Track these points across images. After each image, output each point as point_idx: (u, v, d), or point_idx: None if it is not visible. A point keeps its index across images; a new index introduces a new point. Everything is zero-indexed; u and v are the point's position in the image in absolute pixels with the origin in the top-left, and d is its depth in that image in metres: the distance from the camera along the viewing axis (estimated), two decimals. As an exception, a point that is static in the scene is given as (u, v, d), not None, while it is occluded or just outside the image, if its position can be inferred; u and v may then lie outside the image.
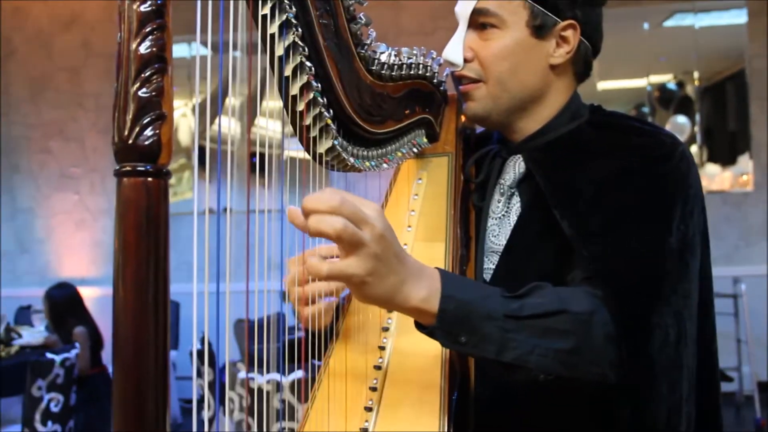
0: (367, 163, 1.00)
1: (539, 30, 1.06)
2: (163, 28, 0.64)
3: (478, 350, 0.86)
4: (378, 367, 0.99)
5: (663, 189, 1.00)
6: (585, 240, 0.99)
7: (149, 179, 0.63)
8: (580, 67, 1.12)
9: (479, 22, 1.07)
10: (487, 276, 1.11)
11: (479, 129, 1.27)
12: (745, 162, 5.70)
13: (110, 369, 4.26)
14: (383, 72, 0.99)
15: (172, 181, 6.25)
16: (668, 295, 0.96)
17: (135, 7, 0.63)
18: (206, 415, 3.30)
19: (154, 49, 0.63)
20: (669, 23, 5.86)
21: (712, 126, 5.84)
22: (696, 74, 5.76)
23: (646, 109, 5.91)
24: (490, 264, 1.12)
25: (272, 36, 0.83)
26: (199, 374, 3.64)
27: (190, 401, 5.63)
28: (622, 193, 1.01)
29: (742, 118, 5.74)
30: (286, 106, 0.87)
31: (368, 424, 0.94)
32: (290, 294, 1.05)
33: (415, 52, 1.07)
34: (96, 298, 5.47)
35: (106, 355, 4.45)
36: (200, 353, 3.57)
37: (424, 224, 1.10)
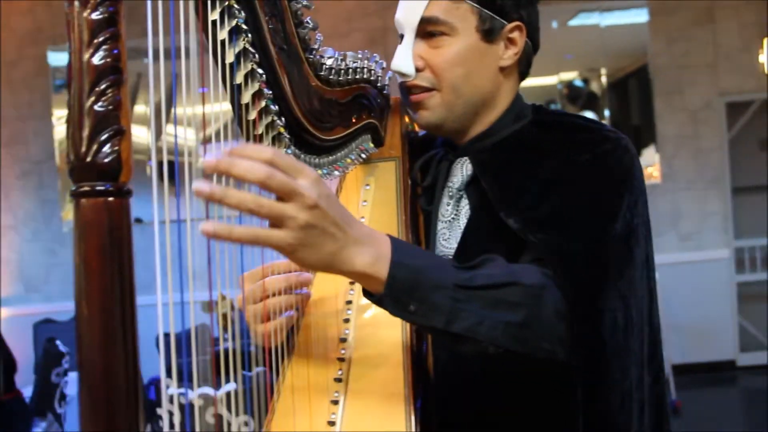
0: (319, 171, 0.98)
1: (489, 34, 1.05)
2: (116, 37, 0.60)
3: (426, 320, 0.84)
4: (339, 380, 0.97)
5: (608, 181, 1.02)
6: (532, 229, 0.99)
7: (110, 199, 0.59)
8: (524, 66, 1.13)
9: (428, 30, 1.05)
10: (441, 280, 1.10)
11: (422, 132, 1.26)
12: (650, 155, 5.93)
13: (24, 393, 4.06)
14: (331, 77, 0.97)
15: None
16: (615, 279, 0.97)
17: (86, 15, 0.59)
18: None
19: (108, 59, 0.59)
20: (575, 22, 6.04)
21: (618, 121, 6.05)
22: (603, 71, 5.96)
23: (556, 106, 6.07)
24: None
25: (222, 42, 0.79)
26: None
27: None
28: (569, 186, 1.02)
29: (646, 113, 5.98)
30: (236, 114, 0.84)
31: None
32: (246, 312, 1.01)
33: (359, 55, 1.05)
34: (5, 319, 5.20)
35: (20, 379, 4.23)
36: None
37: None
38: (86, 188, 0.59)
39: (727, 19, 5.94)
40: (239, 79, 0.82)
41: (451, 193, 1.12)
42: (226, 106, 0.84)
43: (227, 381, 3.12)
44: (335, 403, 0.95)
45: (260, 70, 0.82)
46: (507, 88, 1.11)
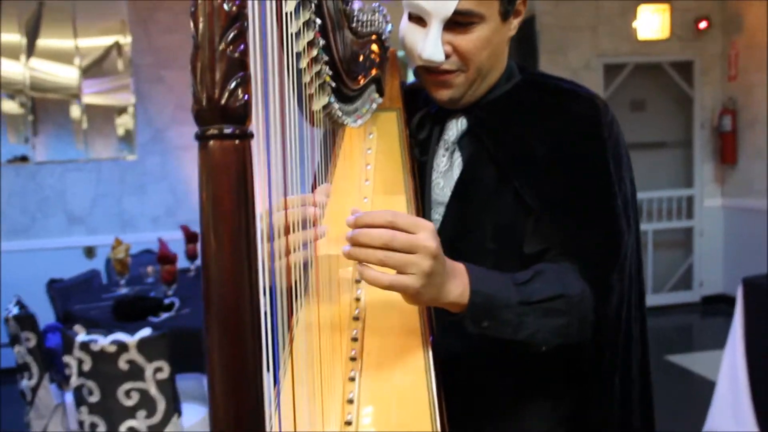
0: (348, 119, 1.01)
1: (507, 13, 1.11)
2: (243, -16, 0.61)
3: (497, 332, 0.98)
4: (356, 318, 1.01)
5: (605, 154, 1.12)
6: (551, 212, 1.10)
7: (237, 142, 0.61)
8: None
9: (458, 20, 1.07)
10: (436, 226, 1.17)
11: (408, 81, 1.31)
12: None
13: None
14: (359, 29, 1.00)
15: None
16: (620, 253, 1.11)
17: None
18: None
19: (235, 7, 0.61)
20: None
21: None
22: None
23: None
24: (437, 215, 1.18)
25: (285, -9, 0.81)
26: (18, 340, 3.36)
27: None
28: (574, 160, 1.12)
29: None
30: (288, 62, 0.85)
31: (354, 373, 0.97)
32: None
33: (374, 6, 1.08)
34: None
35: None
36: (19, 318, 3.30)
37: (381, 177, 1.13)
38: (215, 131, 0.60)
39: (607, -16, 6.26)
40: (297, 27, 0.83)
41: (447, 146, 1.19)
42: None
43: (132, 326, 3.04)
44: (355, 340, 0.99)
45: (318, 20, 0.84)
46: (507, 52, 1.18)
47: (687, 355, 5.18)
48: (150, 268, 4.22)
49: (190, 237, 4.42)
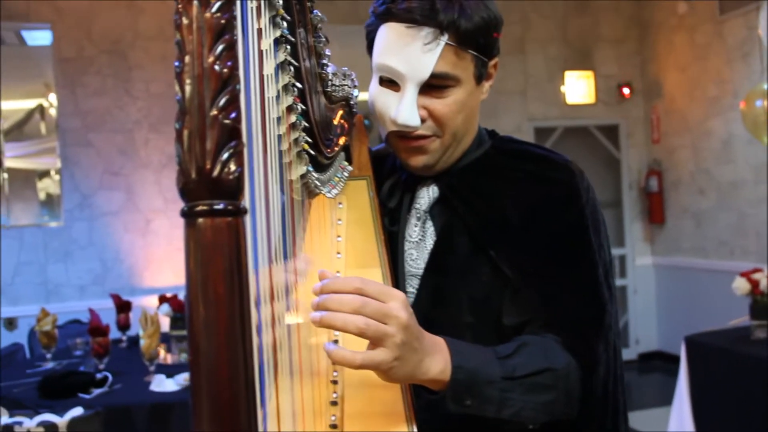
0: (324, 189, 0.95)
1: (481, 77, 1.08)
2: (233, 44, 0.55)
3: (480, 411, 0.92)
4: (334, 403, 0.94)
5: (585, 221, 1.08)
6: (531, 282, 1.05)
7: (230, 219, 0.54)
8: None
9: (433, 83, 1.04)
10: (410, 299, 1.11)
11: (374, 147, 1.26)
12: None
13: None
14: (333, 94, 0.95)
15: None
16: (609, 322, 1.06)
17: (207, 15, 0.54)
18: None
19: (226, 69, 0.54)
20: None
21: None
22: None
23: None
24: (411, 288, 1.12)
25: (263, 52, 0.75)
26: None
27: None
28: (553, 228, 1.08)
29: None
30: (263, 128, 0.79)
31: None
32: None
33: (345, 71, 1.03)
34: None
35: None
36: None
37: (353, 250, 1.07)
38: (204, 207, 0.53)
39: (534, 52, 6.47)
40: (275, 91, 0.77)
41: (418, 215, 1.14)
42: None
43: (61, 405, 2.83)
44: (334, 427, 0.92)
45: (299, 84, 0.78)
46: (478, 117, 1.15)
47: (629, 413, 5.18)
48: (79, 340, 3.98)
49: (120, 306, 4.21)
